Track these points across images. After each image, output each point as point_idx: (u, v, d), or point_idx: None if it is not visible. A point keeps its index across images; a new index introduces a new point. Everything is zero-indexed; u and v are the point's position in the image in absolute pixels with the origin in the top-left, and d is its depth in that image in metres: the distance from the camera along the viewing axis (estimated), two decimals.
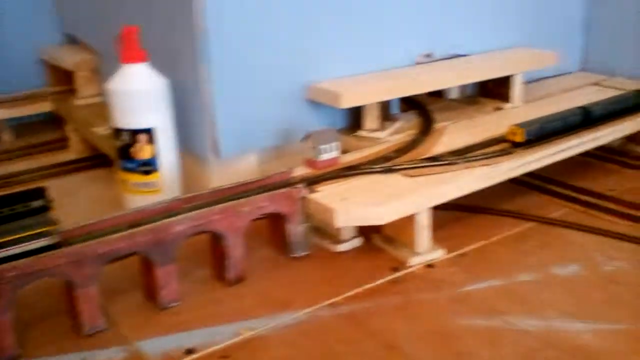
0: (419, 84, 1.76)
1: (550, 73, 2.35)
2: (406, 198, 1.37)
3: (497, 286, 1.33)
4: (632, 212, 1.65)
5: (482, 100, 2.05)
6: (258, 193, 1.32)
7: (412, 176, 1.46)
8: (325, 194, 1.37)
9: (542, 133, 1.63)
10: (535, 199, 1.75)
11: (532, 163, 1.60)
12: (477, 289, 1.32)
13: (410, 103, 1.96)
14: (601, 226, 1.57)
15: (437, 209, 1.65)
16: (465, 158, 1.54)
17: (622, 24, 2.31)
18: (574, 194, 1.77)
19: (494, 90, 2.02)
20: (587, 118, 1.74)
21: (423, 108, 1.92)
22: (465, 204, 1.70)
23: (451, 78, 1.84)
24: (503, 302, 1.27)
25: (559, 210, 1.68)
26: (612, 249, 1.47)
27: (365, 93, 1.64)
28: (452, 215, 1.66)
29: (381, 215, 1.33)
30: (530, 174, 1.84)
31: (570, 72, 2.41)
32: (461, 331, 1.18)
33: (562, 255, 1.44)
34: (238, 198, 1.29)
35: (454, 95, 2.12)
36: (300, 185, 1.37)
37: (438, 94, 2.12)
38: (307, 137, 1.50)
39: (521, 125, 1.61)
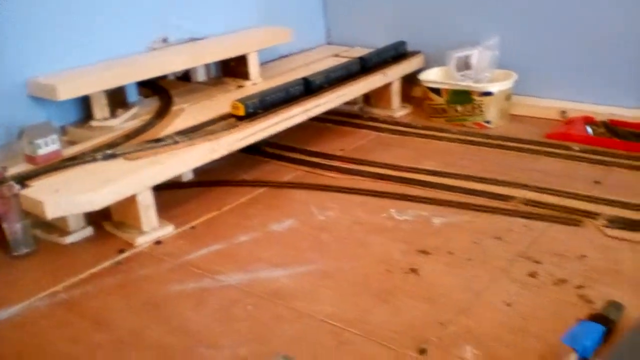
0: (146, 70, 1.81)
1: (298, 49, 2.51)
2: (122, 181, 1.42)
3: (217, 250, 1.43)
4: (352, 166, 1.84)
5: (226, 80, 2.15)
6: None
7: (132, 159, 1.51)
8: (38, 188, 1.38)
9: (262, 105, 1.76)
10: (272, 167, 1.89)
11: (256, 134, 1.72)
12: (197, 256, 1.41)
13: (151, 88, 2.01)
14: (323, 182, 1.75)
15: (176, 187, 1.73)
16: (188, 136, 1.62)
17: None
18: (307, 158, 1.93)
19: (236, 70, 2.13)
20: (309, 88, 1.91)
21: (162, 93, 1.97)
22: (205, 180, 1.80)
23: (181, 61, 1.91)
24: (218, 264, 1.37)
25: (291, 173, 1.83)
26: (328, 200, 1.64)
27: (83, 83, 1.66)
28: (191, 191, 1.74)
29: (94, 200, 1.36)
30: (268, 144, 1.99)
31: (317, 47, 2.60)
32: (173, 297, 1.26)
33: (282, 213, 1.58)
34: None
35: (200, 77, 2.19)
36: (10, 183, 1.36)
37: (186, 78, 2.19)
38: (21, 133, 1.49)
39: (241, 100, 1.72)
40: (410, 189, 1.68)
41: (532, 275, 1.25)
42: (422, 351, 1.06)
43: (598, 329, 1.03)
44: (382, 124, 2.19)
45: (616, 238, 1.36)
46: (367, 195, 1.66)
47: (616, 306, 1.10)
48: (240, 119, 1.72)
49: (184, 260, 1.40)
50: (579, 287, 1.20)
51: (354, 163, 1.87)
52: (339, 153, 1.95)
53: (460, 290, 1.22)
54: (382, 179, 1.75)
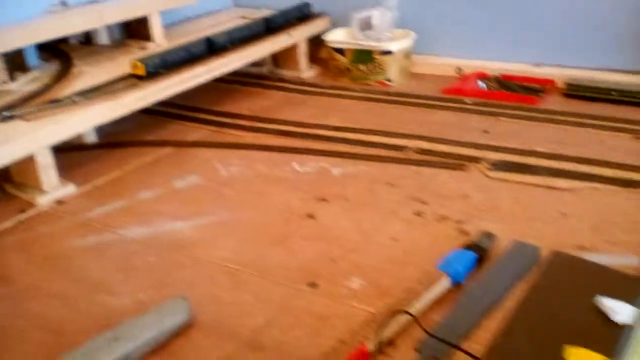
0: (44, 32, 1.77)
1: (204, 11, 2.51)
2: (20, 141, 1.41)
3: (119, 207, 1.45)
4: (258, 124, 1.89)
5: (129, 42, 2.13)
6: None
7: (30, 120, 1.50)
8: None
9: (164, 65, 1.77)
10: (178, 127, 1.91)
11: (158, 93, 1.73)
12: (99, 213, 1.43)
13: (52, 52, 1.97)
14: (229, 140, 1.78)
15: (79, 150, 1.73)
16: (87, 97, 1.62)
17: None
18: (213, 118, 1.96)
19: (139, 32, 2.11)
20: (212, 47, 1.92)
21: (63, 56, 1.94)
22: (109, 142, 1.80)
23: (80, 22, 1.88)
24: (119, 220, 1.39)
25: (197, 133, 1.85)
26: (232, 157, 1.68)
27: None
28: (95, 153, 1.75)
29: None
30: (175, 105, 2.01)
31: (224, 9, 2.60)
32: (74, 251, 1.28)
33: (186, 171, 1.61)
34: None
35: (103, 40, 2.16)
36: None
37: (88, 42, 2.16)
38: None
39: (141, 60, 1.73)
40: (314, 143, 1.74)
41: (418, 214, 1.35)
42: (313, 285, 1.13)
43: (470, 255, 1.13)
44: (290, 84, 2.24)
45: (497, 179, 1.48)
46: (271, 151, 1.71)
47: (488, 236, 1.20)
48: (141, 78, 1.73)
49: (86, 217, 1.41)
50: (459, 222, 1.30)
51: (260, 122, 1.91)
52: (245, 113, 1.99)
53: (352, 231, 1.30)
54: (286, 135, 1.81)
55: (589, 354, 0.66)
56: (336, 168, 1.58)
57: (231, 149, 1.74)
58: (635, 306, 0.74)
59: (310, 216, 1.37)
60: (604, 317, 0.71)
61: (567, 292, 0.76)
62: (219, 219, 1.38)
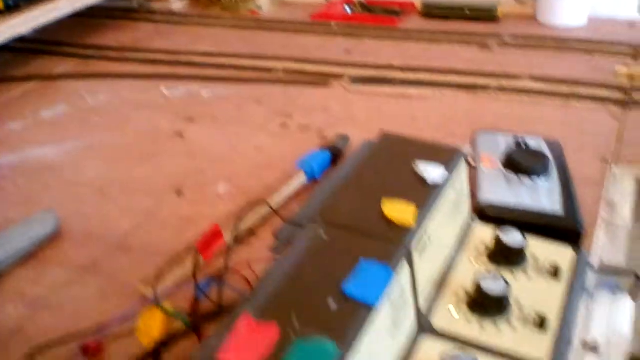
0: None
1: None
2: None
3: None
4: (126, 54, 1.89)
5: None
6: None
7: None
8: None
9: None
10: (44, 62, 1.87)
11: (18, 27, 1.69)
12: None
13: None
14: (97, 71, 1.77)
15: None
16: None
17: None
18: (80, 51, 1.93)
19: None
20: None
21: None
22: None
23: None
24: None
25: (63, 66, 1.83)
26: (100, 86, 1.68)
27: None
28: None
29: None
30: (41, 41, 1.96)
31: None
32: None
33: (52, 102, 1.60)
34: None
35: None
36: None
37: None
38: None
39: None
40: (183, 69, 1.77)
41: (283, 126, 1.43)
42: (180, 193, 1.19)
43: (325, 155, 1.23)
44: (160, 15, 2.23)
45: (356, 92, 1.58)
46: (139, 78, 1.72)
47: (343, 138, 1.31)
48: (1, 13, 1.68)
49: None
50: (320, 130, 1.40)
51: (129, 52, 1.91)
52: (113, 44, 1.97)
53: (220, 145, 1.37)
54: (155, 63, 1.82)
55: (402, 204, 0.77)
56: (205, 90, 1.63)
57: (98, 78, 1.74)
58: (447, 169, 0.86)
59: (179, 135, 1.42)
60: (420, 179, 0.83)
61: (390, 162, 0.87)
62: (86, 144, 1.40)
